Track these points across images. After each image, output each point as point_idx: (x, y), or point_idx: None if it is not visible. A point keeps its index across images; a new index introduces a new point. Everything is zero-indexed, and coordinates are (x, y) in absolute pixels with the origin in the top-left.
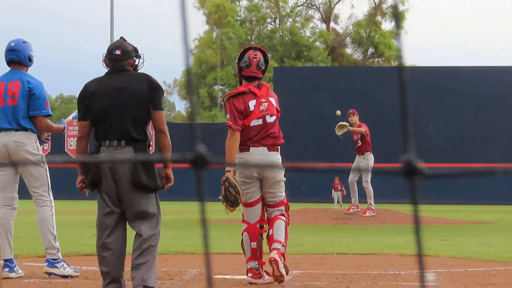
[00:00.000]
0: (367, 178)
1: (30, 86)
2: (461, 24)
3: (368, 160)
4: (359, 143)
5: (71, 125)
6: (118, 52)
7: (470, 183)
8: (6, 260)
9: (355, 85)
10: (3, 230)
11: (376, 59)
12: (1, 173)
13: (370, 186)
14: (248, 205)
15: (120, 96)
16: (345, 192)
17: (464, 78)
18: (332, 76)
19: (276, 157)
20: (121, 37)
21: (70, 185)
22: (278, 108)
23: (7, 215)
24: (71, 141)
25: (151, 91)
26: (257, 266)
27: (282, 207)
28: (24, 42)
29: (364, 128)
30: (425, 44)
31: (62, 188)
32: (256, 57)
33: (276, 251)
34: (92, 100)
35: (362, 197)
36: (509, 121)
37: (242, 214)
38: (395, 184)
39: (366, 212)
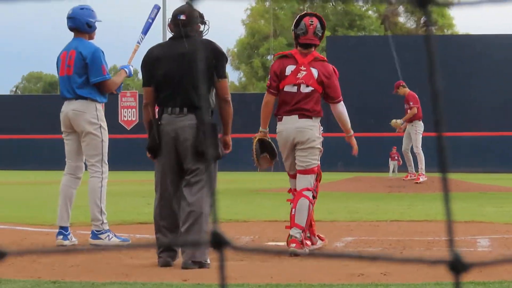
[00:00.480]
0: (417, 144)
1: (82, 55)
2: None
3: (417, 127)
4: (409, 111)
5: (124, 96)
6: (183, 17)
7: None
8: (61, 227)
9: (408, 54)
10: (63, 197)
11: (448, 5)
12: (66, 142)
13: (421, 151)
14: (290, 176)
15: (183, 63)
16: (401, 162)
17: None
18: (385, 45)
19: (306, 123)
20: (187, 2)
21: (126, 155)
22: (323, 80)
23: (69, 182)
24: (125, 112)
25: (215, 59)
26: (308, 235)
27: (311, 177)
28: (81, 8)
29: (415, 109)
30: (478, 12)
31: (119, 158)
32: (313, 24)
33: (294, 244)
34: (155, 66)
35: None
36: None
37: None
38: (451, 153)
39: (419, 178)
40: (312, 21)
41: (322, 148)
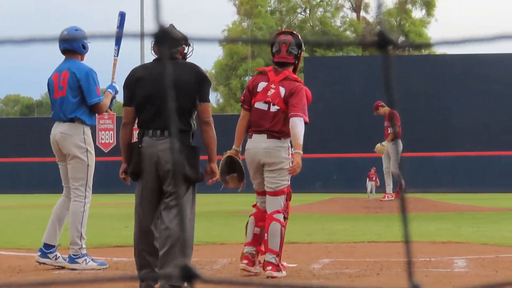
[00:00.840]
0: (396, 163)
1: (76, 77)
2: (488, 12)
3: (398, 146)
4: (390, 130)
5: (102, 119)
6: None
7: (503, 171)
8: (45, 245)
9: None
10: (54, 216)
11: (407, 47)
12: (60, 167)
13: (399, 170)
14: (257, 193)
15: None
16: (378, 183)
17: (492, 65)
18: (363, 65)
19: (274, 144)
20: (171, 25)
21: (103, 178)
22: (292, 101)
23: (63, 203)
24: (103, 134)
25: (198, 82)
26: (254, 252)
27: (281, 198)
28: (76, 29)
29: (398, 128)
30: (455, 32)
31: (96, 181)
32: (286, 42)
33: (270, 267)
34: (137, 86)
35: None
36: None
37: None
38: (425, 174)
39: (398, 194)
40: (285, 40)
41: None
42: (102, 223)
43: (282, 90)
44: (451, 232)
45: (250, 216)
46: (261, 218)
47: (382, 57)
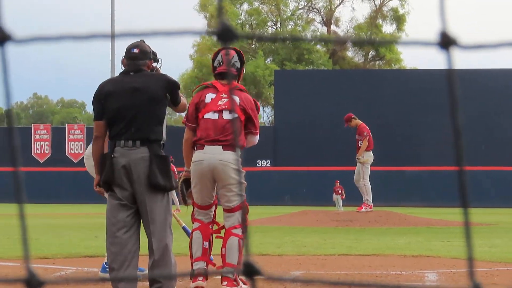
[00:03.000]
0: (365, 175)
1: None
2: (458, 29)
3: (367, 157)
4: (360, 143)
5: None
6: (136, 50)
7: (473, 186)
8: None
9: (356, 88)
10: None
11: (377, 62)
12: None
13: (368, 182)
14: (200, 207)
15: (135, 97)
16: (344, 196)
17: (463, 81)
18: (333, 79)
19: (230, 157)
20: (141, 40)
21: (72, 188)
22: (246, 109)
23: None
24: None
25: (169, 88)
26: (205, 267)
27: (238, 213)
28: None
29: (366, 141)
30: (425, 47)
31: (66, 191)
32: (229, 54)
33: (226, 282)
34: (107, 100)
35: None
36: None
37: (192, 213)
38: (396, 187)
39: (362, 208)
40: (228, 52)
41: (246, 182)
42: (71, 233)
43: (236, 98)
44: (422, 246)
45: (193, 231)
46: (207, 232)
47: (446, 58)
